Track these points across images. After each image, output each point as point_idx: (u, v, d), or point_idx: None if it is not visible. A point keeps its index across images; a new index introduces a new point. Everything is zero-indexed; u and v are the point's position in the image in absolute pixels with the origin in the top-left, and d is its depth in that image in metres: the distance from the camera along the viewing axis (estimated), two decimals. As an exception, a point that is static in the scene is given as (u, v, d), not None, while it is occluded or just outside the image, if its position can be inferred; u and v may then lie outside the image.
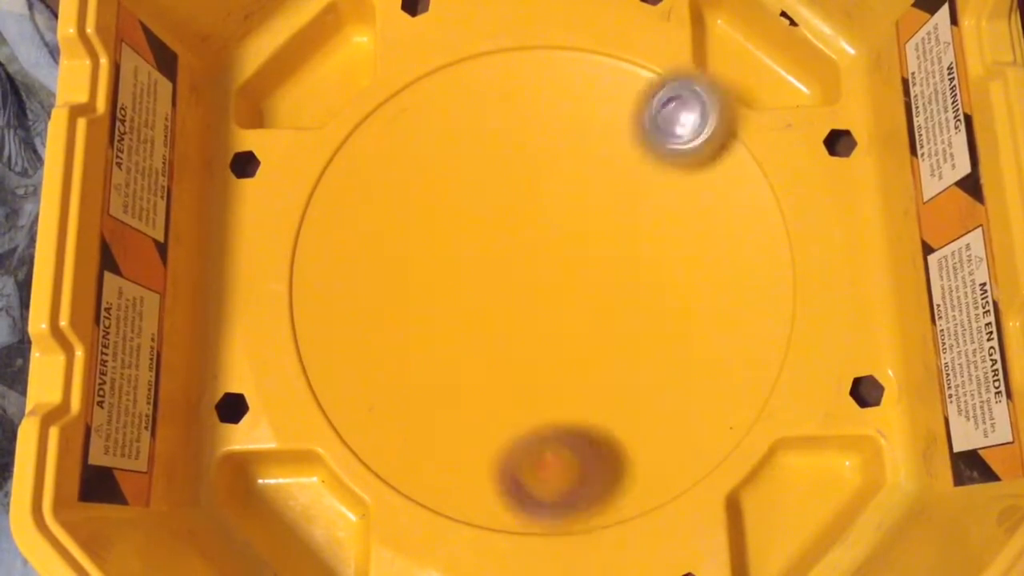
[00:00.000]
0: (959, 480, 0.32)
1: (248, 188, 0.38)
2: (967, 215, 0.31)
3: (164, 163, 0.35)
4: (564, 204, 0.38)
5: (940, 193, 0.33)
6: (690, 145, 0.35)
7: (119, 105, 0.32)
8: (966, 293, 0.32)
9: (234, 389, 0.36)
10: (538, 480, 0.33)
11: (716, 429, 0.35)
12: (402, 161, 0.38)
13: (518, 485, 0.33)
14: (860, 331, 0.36)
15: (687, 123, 0.35)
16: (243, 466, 0.36)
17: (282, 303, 0.37)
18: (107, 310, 0.31)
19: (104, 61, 0.32)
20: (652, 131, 0.36)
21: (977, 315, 0.31)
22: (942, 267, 0.33)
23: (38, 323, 0.29)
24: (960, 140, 0.32)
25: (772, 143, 0.38)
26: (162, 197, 0.35)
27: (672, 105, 0.35)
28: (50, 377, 0.29)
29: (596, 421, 0.36)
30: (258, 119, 0.40)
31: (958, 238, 0.32)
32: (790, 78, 0.40)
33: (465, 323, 0.37)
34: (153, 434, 0.33)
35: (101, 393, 0.31)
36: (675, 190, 0.38)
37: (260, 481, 0.36)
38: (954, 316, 0.32)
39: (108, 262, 0.31)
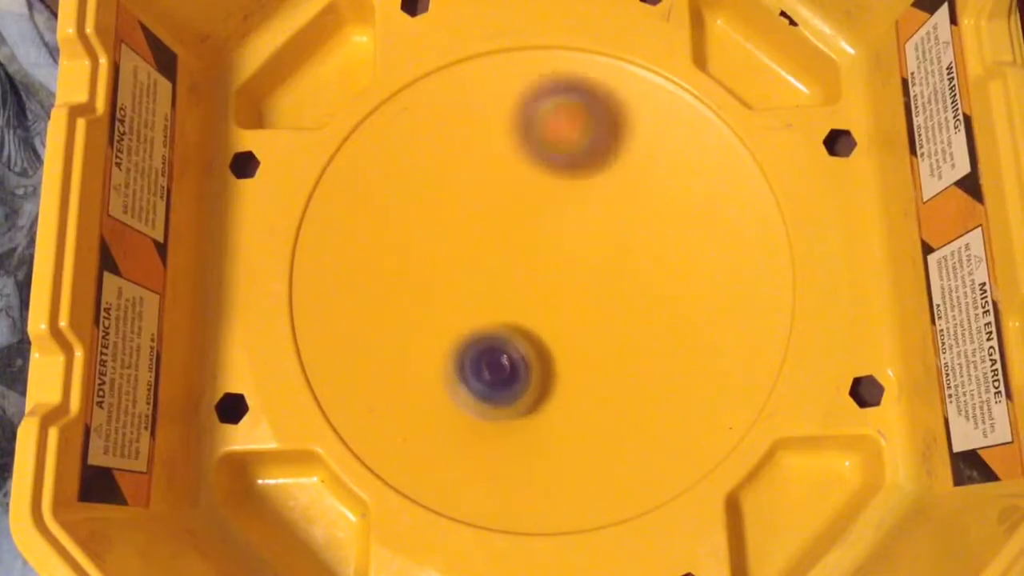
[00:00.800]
0: (959, 480, 0.32)
1: (248, 188, 0.38)
2: (967, 215, 0.31)
3: (164, 163, 0.35)
4: (563, 204, 0.38)
5: (940, 193, 0.33)
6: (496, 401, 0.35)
7: (118, 105, 0.32)
8: (966, 293, 0.32)
9: (234, 389, 0.36)
10: (552, 129, 0.35)
11: (716, 429, 0.35)
12: (402, 161, 0.38)
13: (531, 128, 0.35)
14: (860, 331, 0.36)
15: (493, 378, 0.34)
16: (243, 466, 0.36)
17: (282, 303, 0.37)
18: (107, 310, 0.31)
19: (103, 61, 0.32)
20: (463, 383, 0.35)
21: (977, 315, 0.31)
22: (942, 267, 0.33)
23: (38, 323, 0.29)
24: (960, 140, 0.32)
25: (772, 143, 0.38)
26: (162, 197, 0.35)
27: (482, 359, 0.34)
28: (50, 377, 0.29)
29: (596, 421, 0.36)
30: (258, 119, 0.40)
31: (958, 238, 0.32)
32: (790, 78, 0.40)
33: (465, 323, 0.37)
34: (153, 434, 0.33)
35: (101, 393, 0.31)
36: (674, 190, 0.38)
37: (260, 481, 0.36)
38: (954, 316, 0.32)
39: (108, 262, 0.31)
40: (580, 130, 0.35)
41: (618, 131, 0.37)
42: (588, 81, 0.37)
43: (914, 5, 0.35)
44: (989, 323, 0.30)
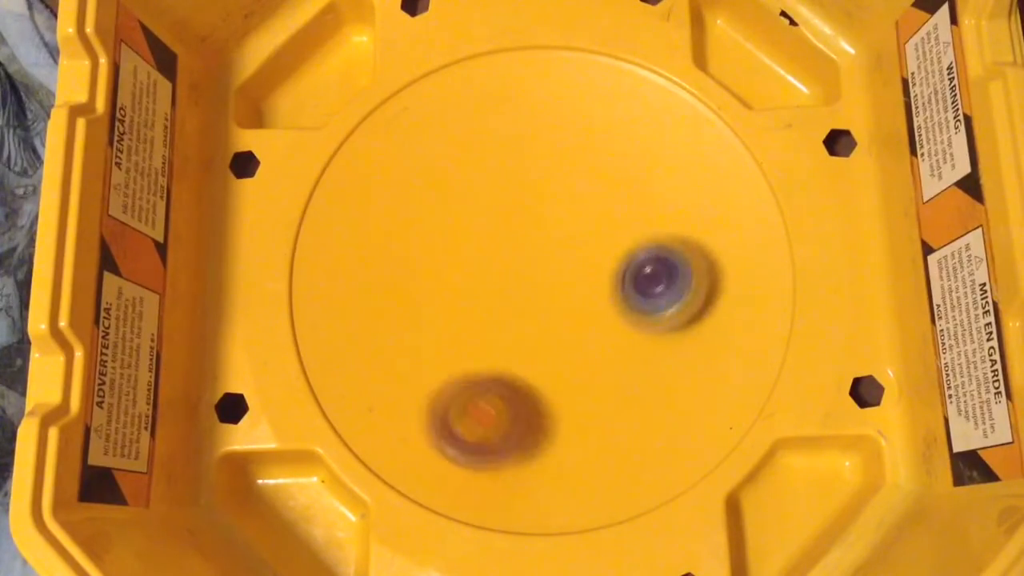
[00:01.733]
0: (959, 480, 0.32)
1: (248, 188, 0.38)
2: (967, 215, 0.31)
3: (164, 163, 0.35)
4: (563, 204, 0.38)
5: (940, 193, 0.33)
6: (667, 313, 0.35)
7: (118, 105, 0.32)
8: (966, 293, 0.32)
9: (234, 389, 0.36)
10: (467, 425, 0.34)
11: (716, 429, 0.35)
12: (402, 161, 0.38)
13: (446, 426, 0.34)
14: (860, 331, 0.36)
15: (663, 291, 0.35)
16: (243, 466, 0.36)
17: (282, 303, 0.37)
18: (106, 310, 0.31)
19: (103, 61, 0.32)
20: (630, 294, 0.35)
21: (977, 315, 0.31)
22: (942, 267, 0.33)
23: (38, 323, 0.29)
24: (960, 140, 0.32)
25: (772, 143, 0.38)
26: (162, 197, 0.35)
27: (649, 270, 0.35)
28: (50, 377, 0.29)
29: (596, 421, 0.36)
30: (258, 119, 0.40)
31: (958, 238, 0.32)
32: (790, 78, 0.40)
33: (465, 323, 0.37)
34: (153, 434, 0.33)
35: (101, 393, 0.31)
36: (674, 190, 0.38)
37: (260, 481, 0.36)
38: (954, 316, 0.32)
39: (108, 262, 0.31)
40: (492, 427, 0.34)
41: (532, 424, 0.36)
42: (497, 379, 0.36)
43: (914, 5, 0.35)
44: (989, 323, 0.30)
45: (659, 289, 0.35)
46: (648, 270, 0.35)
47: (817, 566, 0.34)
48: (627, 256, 0.36)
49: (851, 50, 0.38)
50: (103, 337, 0.31)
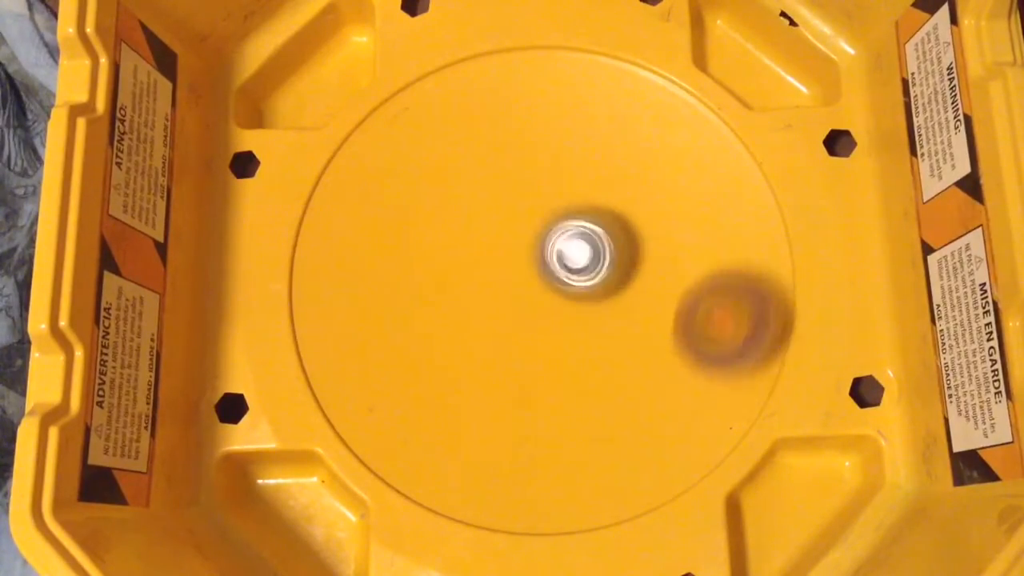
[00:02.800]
0: (959, 480, 0.32)
1: (248, 188, 0.38)
2: (967, 215, 0.31)
3: (164, 163, 0.35)
4: (563, 203, 0.38)
5: (940, 193, 0.33)
6: (585, 283, 0.35)
7: (119, 105, 0.32)
8: (966, 293, 0.32)
9: (234, 389, 0.36)
10: (711, 335, 0.35)
11: (716, 429, 0.35)
12: (402, 161, 0.38)
13: (693, 341, 0.35)
14: (860, 331, 0.36)
15: (581, 258, 0.35)
16: (243, 466, 0.36)
17: (282, 303, 0.37)
18: (107, 310, 0.31)
19: (104, 61, 0.32)
20: (547, 264, 0.36)
21: (977, 315, 0.31)
22: (942, 267, 0.33)
23: (38, 323, 0.29)
24: (960, 140, 0.32)
25: (772, 143, 0.38)
26: (162, 197, 0.35)
27: (567, 239, 0.35)
28: (50, 377, 0.29)
29: (596, 422, 0.36)
30: (258, 119, 0.40)
31: (958, 238, 0.32)
32: (790, 78, 0.40)
33: (465, 322, 0.37)
34: (153, 434, 0.33)
35: (101, 393, 0.31)
36: (675, 190, 0.38)
37: (260, 481, 0.36)
38: (954, 316, 0.32)
39: (108, 262, 0.31)
40: (731, 331, 0.35)
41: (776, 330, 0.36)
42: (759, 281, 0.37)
43: (914, 5, 0.35)
44: (989, 323, 0.30)
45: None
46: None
47: (817, 566, 0.34)
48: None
49: (851, 50, 0.38)
50: (103, 337, 0.31)
